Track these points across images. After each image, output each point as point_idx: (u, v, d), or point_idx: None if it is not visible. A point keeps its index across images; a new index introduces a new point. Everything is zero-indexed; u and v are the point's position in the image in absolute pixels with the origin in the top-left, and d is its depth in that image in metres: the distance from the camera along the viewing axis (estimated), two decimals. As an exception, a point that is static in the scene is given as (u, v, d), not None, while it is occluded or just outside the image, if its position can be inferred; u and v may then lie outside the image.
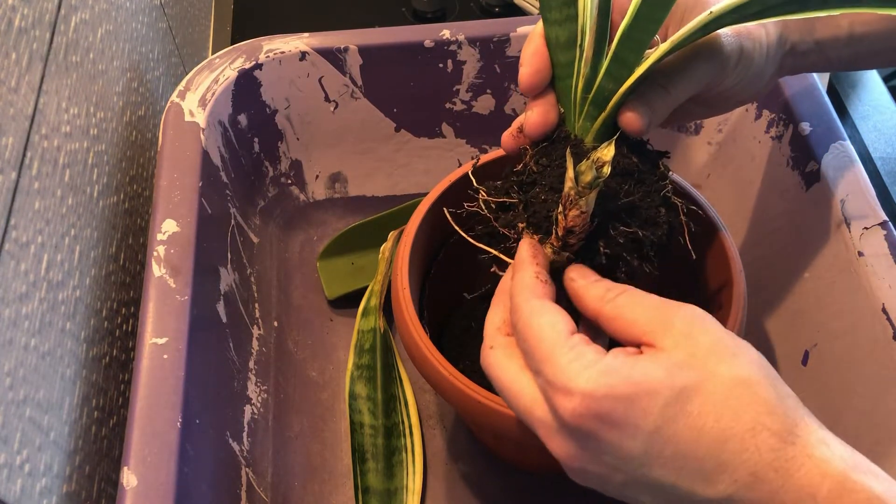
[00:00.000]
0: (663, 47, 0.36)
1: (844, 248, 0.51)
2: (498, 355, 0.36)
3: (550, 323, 0.34)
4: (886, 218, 0.51)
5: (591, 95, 0.39)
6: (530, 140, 0.41)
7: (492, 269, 0.42)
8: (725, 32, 0.40)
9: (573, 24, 0.38)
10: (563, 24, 0.38)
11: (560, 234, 0.37)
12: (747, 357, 0.32)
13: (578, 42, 0.38)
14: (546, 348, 0.33)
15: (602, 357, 0.32)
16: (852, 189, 0.53)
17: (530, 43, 0.40)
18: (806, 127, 0.57)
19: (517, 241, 0.40)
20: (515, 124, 0.42)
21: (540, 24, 0.40)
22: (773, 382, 0.32)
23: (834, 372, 0.52)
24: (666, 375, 0.31)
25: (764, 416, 0.30)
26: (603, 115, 0.38)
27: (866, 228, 0.51)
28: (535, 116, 0.40)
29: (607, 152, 0.35)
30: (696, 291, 0.53)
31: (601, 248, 0.38)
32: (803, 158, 0.56)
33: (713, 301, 0.50)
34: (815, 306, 0.54)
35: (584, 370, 0.32)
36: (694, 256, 0.41)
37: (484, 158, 0.51)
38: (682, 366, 0.31)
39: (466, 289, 0.60)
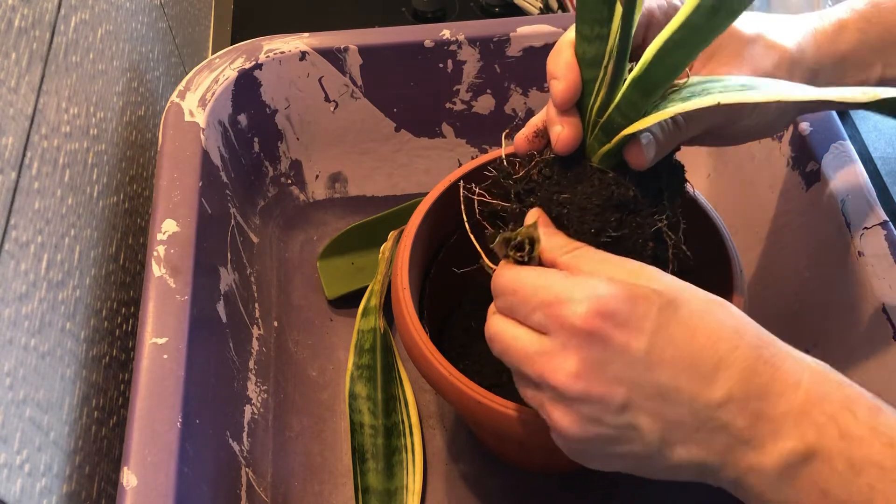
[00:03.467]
0: (671, 111, 0.36)
1: (844, 248, 0.51)
2: (495, 320, 0.38)
3: (536, 270, 0.37)
4: (886, 218, 0.51)
5: (602, 120, 0.38)
6: (556, 152, 0.41)
7: (478, 264, 0.42)
8: (745, 80, 0.40)
9: (603, 44, 0.37)
10: (593, 41, 0.38)
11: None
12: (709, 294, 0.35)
13: (604, 62, 0.38)
14: (541, 282, 0.36)
15: (591, 276, 0.35)
16: (852, 189, 0.53)
17: (560, 54, 0.39)
18: (806, 127, 0.57)
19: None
20: (531, 128, 0.42)
21: (568, 34, 0.39)
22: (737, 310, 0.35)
23: (834, 372, 0.52)
24: (651, 290, 0.34)
25: (743, 323, 0.34)
26: (609, 144, 0.38)
27: (866, 228, 0.51)
28: (566, 134, 0.39)
29: (513, 234, 0.38)
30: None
31: None
32: (803, 158, 0.56)
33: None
34: (815, 306, 0.54)
35: (584, 283, 0.34)
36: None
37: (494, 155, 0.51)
38: (660, 285, 0.34)
39: (467, 289, 0.60)
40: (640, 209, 0.39)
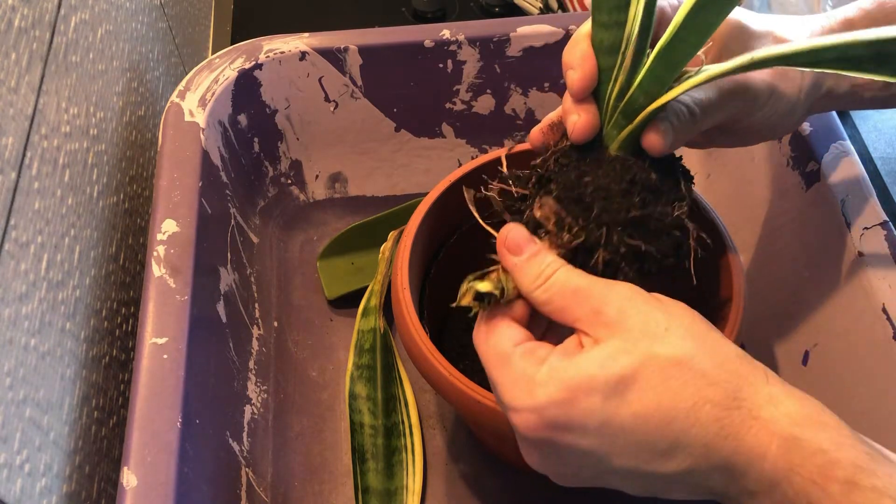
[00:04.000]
0: (698, 78, 0.36)
1: (844, 248, 0.51)
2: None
3: (494, 343, 0.36)
4: (886, 218, 0.51)
5: (621, 105, 0.39)
6: (571, 141, 0.41)
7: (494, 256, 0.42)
8: (762, 71, 0.40)
9: (620, 30, 0.38)
10: (611, 28, 0.38)
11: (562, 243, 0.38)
12: (680, 330, 0.33)
13: (622, 49, 0.38)
14: (494, 374, 0.35)
15: (540, 367, 0.33)
16: (852, 189, 0.53)
17: (577, 45, 0.39)
18: (806, 127, 0.57)
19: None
20: (546, 121, 0.42)
21: (585, 26, 0.40)
22: (711, 347, 0.33)
23: (834, 372, 0.52)
24: (600, 370, 0.32)
25: (704, 388, 0.31)
26: (629, 127, 0.38)
27: (866, 228, 0.51)
28: (583, 122, 0.39)
29: (482, 286, 0.37)
30: (695, 292, 0.53)
31: (600, 257, 0.38)
32: (803, 158, 0.56)
33: (713, 301, 0.50)
34: (816, 306, 0.54)
35: (526, 385, 0.33)
36: (695, 282, 0.41)
37: (516, 148, 0.51)
38: (616, 355, 0.32)
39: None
40: (662, 193, 0.39)
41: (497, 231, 0.40)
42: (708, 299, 0.52)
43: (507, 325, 0.36)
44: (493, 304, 0.38)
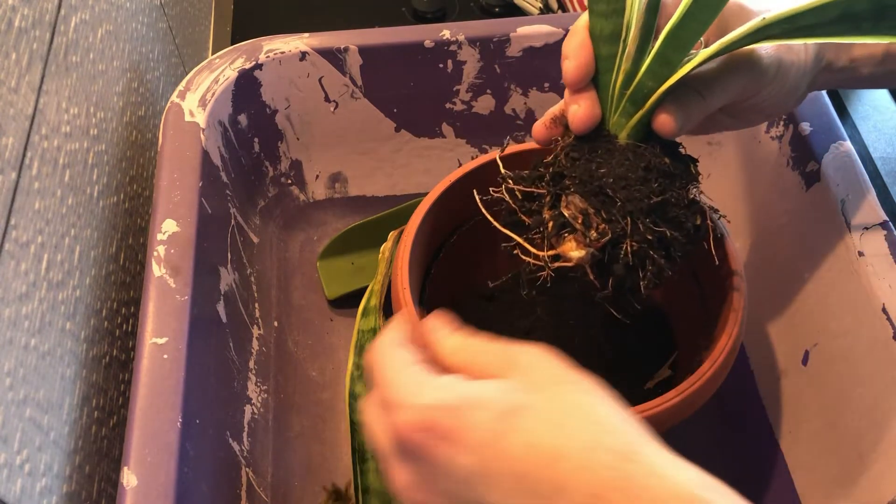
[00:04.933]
0: (710, 50, 0.36)
1: (845, 248, 0.51)
2: (367, 405, 0.36)
3: (399, 354, 0.34)
4: (886, 218, 0.51)
5: (629, 92, 0.38)
6: (573, 132, 0.40)
7: (514, 252, 0.41)
8: (766, 46, 0.40)
9: (619, 17, 0.38)
10: (610, 16, 0.38)
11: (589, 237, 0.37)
12: (589, 386, 0.31)
13: (623, 36, 0.38)
14: (389, 375, 0.33)
15: (439, 377, 0.32)
16: (852, 189, 0.53)
17: (574, 35, 0.39)
18: (806, 127, 0.57)
19: (540, 231, 0.39)
20: (548, 115, 0.42)
21: (583, 18, 0.40)
22: (616, 407, 0.31)
23: (834, 372, 0.52)
24: (498, 393, 0.30)
25: (601, 434, 0.29)
26: (640, 113, 0.38)
27: (866, 228, 0.51)
28: (581, 111, 0.39)
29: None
30: (697, 292, 0.53)
31: (628, 248, 0.38)
32: (803, 158, 0.56)
33: (714, 301, 0.50)
34: (816, 306, 0.54)
35: (418, 386, 0.32)
36: (717, 262, 0.41)
37: (509, 150, 0.51)
38: (517, 389, 0.31)
39: (467, 289, 0.60)
40: (676, 177, 0.39)
41: (514, 233, 0.40)
42: (708, 300, 0.52)
43: (415, 348, 0.35)
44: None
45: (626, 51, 0.38)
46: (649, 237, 0.38)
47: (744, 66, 0.40)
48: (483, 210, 0.42)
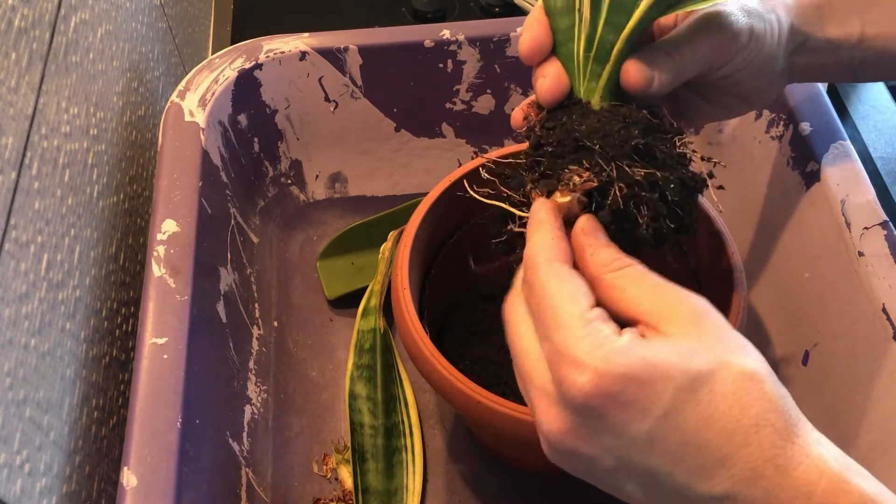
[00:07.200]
0: None
1: (844, 248, 0.51)
2: (517, 304, 0.35)
3: (569, 293, 0.33)
4: (886, 218, 0.51)
5: (592, 53, 0.39)
6: (544, 108, 0.40)
7: (507, 228, 0.40)
8: (735, 10, 0.40)
9: None
10: None
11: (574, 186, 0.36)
12: (753, 351, 0.32)
13: (577, 6, 0.38)
14: (562, 319, 0.32)
15: (618, 336, 0.31)
16: (852, 189, 0.53)
17: (530, 14, 0.40)
18: (806, 127, 0.57)
19: (524, 202, 0.38)
20: (525, 103, 0.42)
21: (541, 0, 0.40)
22: (775, 380, 0.32)
23: (834, 372, 0.52)
24: (679, 360, 0.30)
25: (769, 412, 0.30)
26: (607, 67, 0.38)
27: (866, 228, 0.51)
28: (547, 82, 0.39)
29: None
30: (696, 291, 0.53)
31: (618, 192, 0.36)
32: (803, 158, 0.56)
33: (714, 301, 0.50)
34: (816, 306, 0.54)
35: (599, 347, 0.31)
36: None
37: (498, 152, 0.50)
38: (692, 353, 0.31)
39: (467, 289, 0.60)
40: (659, 130, 0.38)
41: (517, 209, 0.39)
42: (708, 298, 0.52)
43: (579, 280, 0.34)
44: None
45: (583, 18, 0.38)
46: (638, 178, 0.36)
47: (713, 28, 0.40)
48: (467, 187, 0.41)
